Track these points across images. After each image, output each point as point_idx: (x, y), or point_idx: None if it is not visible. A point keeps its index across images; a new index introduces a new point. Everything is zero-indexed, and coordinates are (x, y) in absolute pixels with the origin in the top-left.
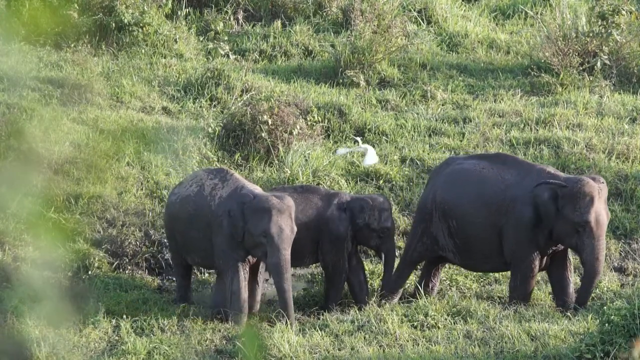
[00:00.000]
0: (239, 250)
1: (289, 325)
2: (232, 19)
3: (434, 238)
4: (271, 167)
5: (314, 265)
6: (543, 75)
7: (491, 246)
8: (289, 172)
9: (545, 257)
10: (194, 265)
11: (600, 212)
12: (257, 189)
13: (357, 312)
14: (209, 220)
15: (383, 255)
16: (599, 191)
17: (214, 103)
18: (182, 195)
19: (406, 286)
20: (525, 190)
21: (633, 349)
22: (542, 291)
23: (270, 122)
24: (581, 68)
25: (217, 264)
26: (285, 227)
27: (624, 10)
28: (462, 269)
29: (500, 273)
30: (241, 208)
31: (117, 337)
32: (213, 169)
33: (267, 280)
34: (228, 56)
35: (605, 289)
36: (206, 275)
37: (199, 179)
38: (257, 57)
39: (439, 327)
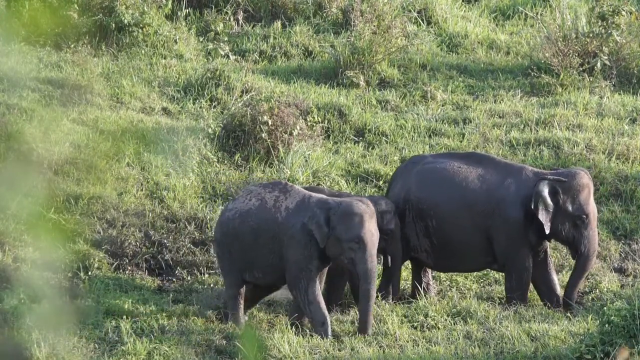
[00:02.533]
0: (314, 261)
1: (365, 336)
2: (232, 19)
3: (406, 240)
4: (271, 167)
5: None
6: (543, 75)
7: (471, 247)
8: (289, 172)
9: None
10: (254, 281)
11: (594, 203)
12: (326, 196)
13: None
14: (275, 234)
15: (389, 258)
16: (592, 182)
17: (214, 104)
18: (241, 210)
19: (406, 287)
20: (509, 191)
21: (617, 356)
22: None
23: (270, 123)
24: (581, 69)
25: (288, 277)
26: (375, 232)
27: (624, 10)
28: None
29: (501, 273)
30: (326, 215)
31: (117, 338)
32: (267, 183)
33: None
34: (228, 57)
35: (605, 289)
36: (206, 276)
37: (256, 193)
38: (257, 57)
39: (439, 328)
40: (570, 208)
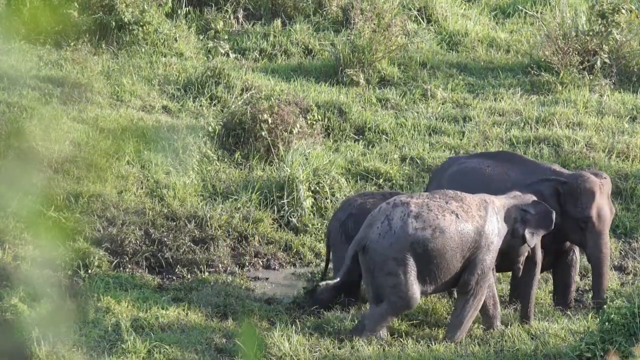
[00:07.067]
0: (492, 267)
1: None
2: (232, 17)
3: None
4: (271, 166)
5: (313, 264)
6: (543, 74)
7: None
8: (289, 171)
9: (549, 257)
10: (429, 293)
11: (602, 207)
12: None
13: (357, 311)
14: (476, 243)
15: None
16: (601, 186)
17: (214, 102)
18: (441, 227)
19: None
20: (529, 189)
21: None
22: (542, 290)
23: (270, 121)
24: (581, 67)
25: (470, 283)
26: None
27: (624, 9)
28: None
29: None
30: (522, 217)
31: (117, 336)
32: (434, 192)
33: (267, 279)
34: (228, 55)
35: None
36: (206, 274)
37: (438, 206)
38: (257, 56)
39: (439, 326)
40: (571, 211)
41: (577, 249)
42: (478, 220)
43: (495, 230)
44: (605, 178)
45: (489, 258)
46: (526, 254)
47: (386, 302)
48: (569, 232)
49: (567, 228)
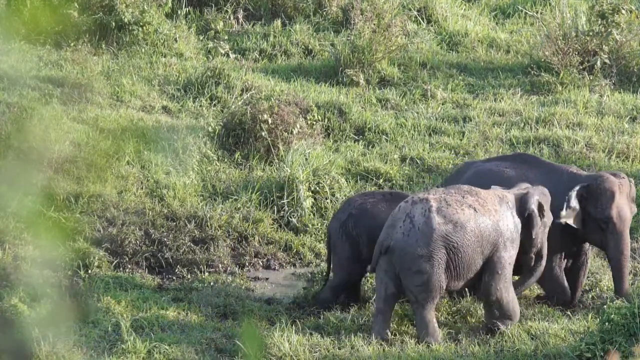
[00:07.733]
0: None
1: None
2: (232, 18)
3: None
4: (271, 166)
5: (313, 264)
6: (543, 74)
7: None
8: (289, 171)
9: (569, 259)
10: (453, 290)
11: (623, 207)
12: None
13: (357, 311)
14: (493, 238)
15: None
16: (620, 186)
17: (214, 102)
18: (460, 221)
19: None
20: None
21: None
22: (541, 290)
23: (270, 121)
24: (581, 67)
25: (489, 280)
26: None
27: (624, 9)
28: None
29: None
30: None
31: (117, 336)
32: (448, 188)
33: (267, 279)
34: (228, 55)
35: (605, 288)
36: (206, 274)
37: (456, 201)
38: (257, 56)
39: (439, 326)
40: (592, 212)
41: (589, 252)
42: (494, 215)
43: (512, 226)
44: (623, 178)
45: (507, 255)
46: (539, 245)
47: (418, 306)
48: (589, 233)
49: (587, 229)
